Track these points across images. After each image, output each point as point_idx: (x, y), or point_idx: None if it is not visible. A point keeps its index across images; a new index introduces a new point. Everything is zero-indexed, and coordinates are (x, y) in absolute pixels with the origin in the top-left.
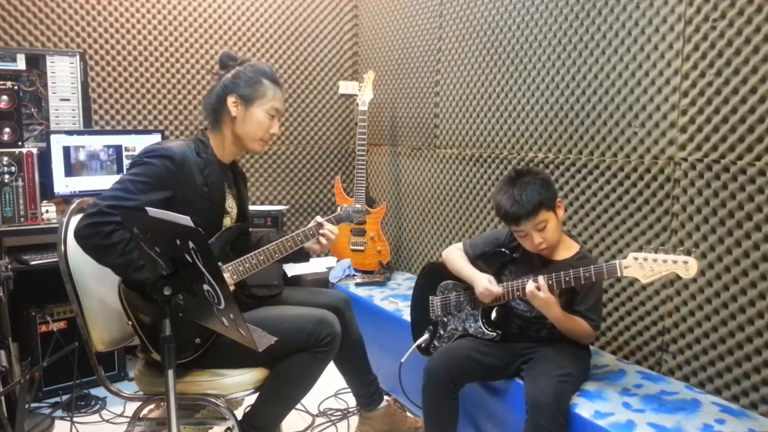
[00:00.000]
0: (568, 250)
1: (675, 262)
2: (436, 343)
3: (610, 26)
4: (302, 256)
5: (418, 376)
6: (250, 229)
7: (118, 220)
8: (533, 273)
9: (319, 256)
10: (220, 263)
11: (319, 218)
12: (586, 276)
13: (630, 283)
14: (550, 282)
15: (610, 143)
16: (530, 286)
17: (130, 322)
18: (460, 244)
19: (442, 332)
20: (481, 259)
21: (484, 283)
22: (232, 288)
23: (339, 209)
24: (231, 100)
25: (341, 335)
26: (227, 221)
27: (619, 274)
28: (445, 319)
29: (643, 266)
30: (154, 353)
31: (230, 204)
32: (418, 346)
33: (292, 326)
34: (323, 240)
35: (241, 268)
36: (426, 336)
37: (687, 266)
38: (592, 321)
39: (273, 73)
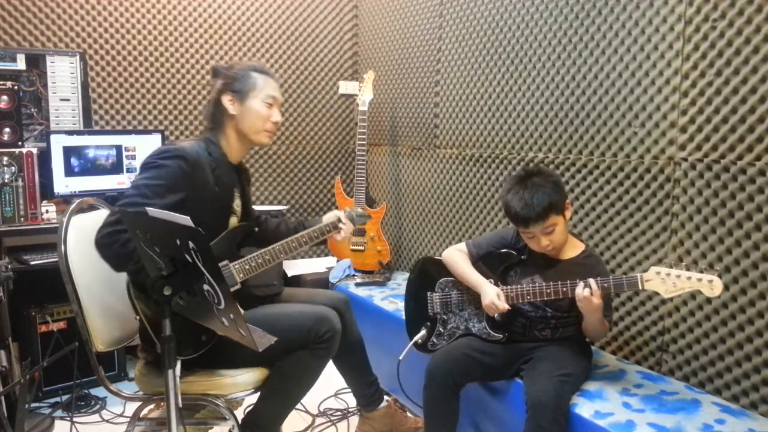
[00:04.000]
0: (574, 248)
1: (699, 280)
2: (435, 341)
3: (610, 26)
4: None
5: (417, 374)
6: (265, 217)
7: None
8: (539, 273)
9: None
10: (227, 261)
11: (339, 213)
12: (605, 286)
13: None
14: (564, 289)
15: (610, 143)
16: (585, 291)
17: (138, 317)
18: (462, 245)
19: (441, 329)
20: (485, 259)
21: (493, 297)
22: (238, 286)
23: (343, 212)
24: (227, 99)
25: (341, 333)
26: (233, 221)
27: (640, 287)
28: (445, 317)
29: (665, 281)
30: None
31: (237, 204)
32: (415, 343)
33: (291, 324)
34: (341, 234)
35: (247, 267)
36: (423, 332)
37: (712, 285)
38: (606, 316)
39: (261, 66)
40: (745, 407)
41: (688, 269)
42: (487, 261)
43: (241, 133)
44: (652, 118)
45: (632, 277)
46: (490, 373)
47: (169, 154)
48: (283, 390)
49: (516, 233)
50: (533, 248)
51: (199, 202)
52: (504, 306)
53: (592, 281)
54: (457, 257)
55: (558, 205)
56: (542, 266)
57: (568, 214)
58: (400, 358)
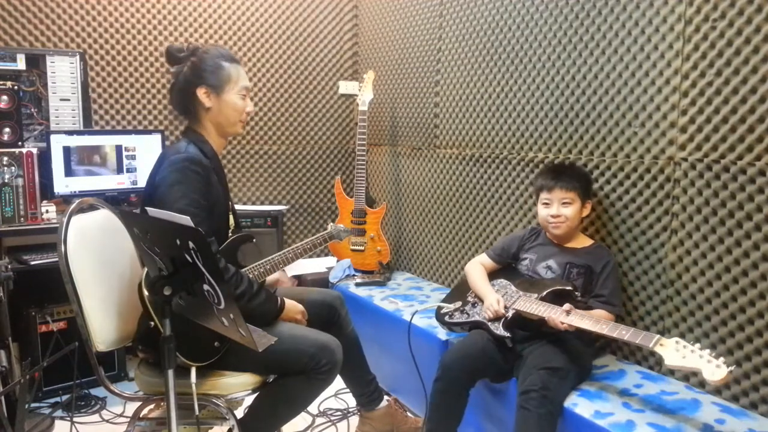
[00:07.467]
0: (583, 242)
1: (709, 362)
2: (455, 315)
3: (610, 26)
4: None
5: (427, 343)
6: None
7: (216, 248)
8: (552, 258)
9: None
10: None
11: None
12: (624, 336)
13: (630, 282)
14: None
15: (610, 143)
16: (560, 318)
17: (152, 323)
18: (483, 256)
19: (467, 311)
20: (508, 269)
21: (492, 301)
22: (289, 284)
23: (330, 227)
24: (201, 92)
25: (341, 363)
26: (231, 219)
27: (650, 346)
28: (474, 302)
29: (677, 351)
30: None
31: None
32: (438, 308)
33: (293, 347)
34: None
35: (251, 276)
36: (452, 306)
37: (716, 370)
38: (614, 306)
39: (228, 53)
40: (745, 407)
41: (705, 349)
42: (508, 270)
43: (217, 125)
44: (652, 118)
45: (649, 335)
46: (501, 374)
47: (184, 165)
48: (272, 410)
49: (529, 231)
50: (542, 217)
51: (214, 204)
52: (500, 310)
53: (566, 318)
54: (472, 269)
55: (585, 187)
56: (555, 252)
57: (585, 210)
58: (419, 309)
